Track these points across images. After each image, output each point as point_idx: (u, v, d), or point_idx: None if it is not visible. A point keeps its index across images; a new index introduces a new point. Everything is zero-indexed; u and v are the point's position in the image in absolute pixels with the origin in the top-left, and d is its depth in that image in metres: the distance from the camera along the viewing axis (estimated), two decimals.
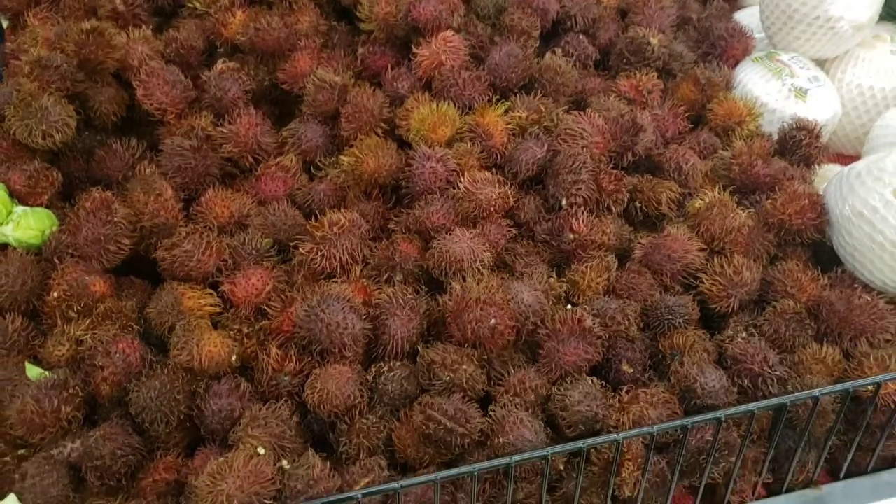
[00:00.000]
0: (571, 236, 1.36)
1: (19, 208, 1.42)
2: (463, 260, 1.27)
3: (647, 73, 1.67)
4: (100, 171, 1.54)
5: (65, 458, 1.15)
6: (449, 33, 1.59)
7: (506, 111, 1.54)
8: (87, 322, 1.26)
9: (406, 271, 1.31)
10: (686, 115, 1.66)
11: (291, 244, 1.39)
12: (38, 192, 1.46)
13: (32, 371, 1.23)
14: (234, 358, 1.21)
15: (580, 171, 1.40)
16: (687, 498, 1.28)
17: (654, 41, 1.69)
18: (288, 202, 1.48)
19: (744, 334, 1.31)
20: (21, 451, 1.18)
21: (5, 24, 1.87)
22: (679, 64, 1.75)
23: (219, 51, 1.71)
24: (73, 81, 1.51)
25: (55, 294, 1.29)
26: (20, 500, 1.10)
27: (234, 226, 1.45)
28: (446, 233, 1.32)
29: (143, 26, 1.65)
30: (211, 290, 1.30)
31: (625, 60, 1.71)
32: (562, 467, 1.17)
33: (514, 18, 1.64)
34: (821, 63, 1.82)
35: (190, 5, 1.72)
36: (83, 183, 1.54)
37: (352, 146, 1.52)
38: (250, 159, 1.56)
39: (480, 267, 1.28)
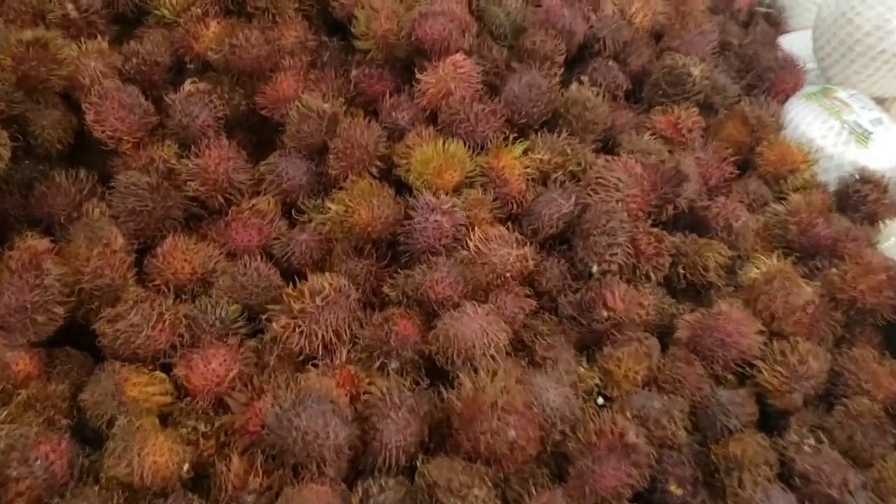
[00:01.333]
0: (605, 314, 1.13)
1: None
2: (474, 346, 1.03)
3: (687, 108, 1.44)
4: (40, 209, 1.30)
5: None
6: (459, 56, 1.35)
7: (524, 152, 1.30)
8: (5, 413, 1.01)
9: (404, 358, 1.07)
10: (732, 159, 1.42)
11: (264, 314, 1.14)
12: None
13: None
14: (185, 468, 0.97)
15: (616, 233, 1.16)
16: None
17: (695, 71, 1.45)
18: (262, 255, 1.24)
19: (812, 441, 1.08)
20: None
21: None
22: (721, 98, 1.51)
23: (189, 67, 1.45)
24: (10, 102, 1.27)
25: None
26: None
27: (197, 284, 1.21)
28: (454, 308, 1.08)
29: (99, 37, 1.40)
30: (162, 375, 1.06)
31: (661, 92, 1.47)
32: None
33: (536, 41, 1.40)
34: (882, 102, 1.58)
35: (157, 13, 1.47)
36: (19, 223, 1.31)
37: (341, 188, 1.28)
38: (220, 199, 1.32)
39: (495, 354, 1.04)
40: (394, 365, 1.06)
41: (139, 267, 1.22)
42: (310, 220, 1.30)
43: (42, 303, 1.07)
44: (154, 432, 0.97)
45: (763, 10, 1.78)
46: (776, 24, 1.78)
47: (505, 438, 0.95)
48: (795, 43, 1.72)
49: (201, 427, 1.01)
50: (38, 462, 0.94)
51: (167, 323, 1.07)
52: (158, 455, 0.94)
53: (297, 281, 1.16)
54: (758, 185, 1.40)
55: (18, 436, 0.96)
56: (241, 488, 0.96)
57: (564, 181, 1.26)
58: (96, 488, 0.94)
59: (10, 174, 1.28)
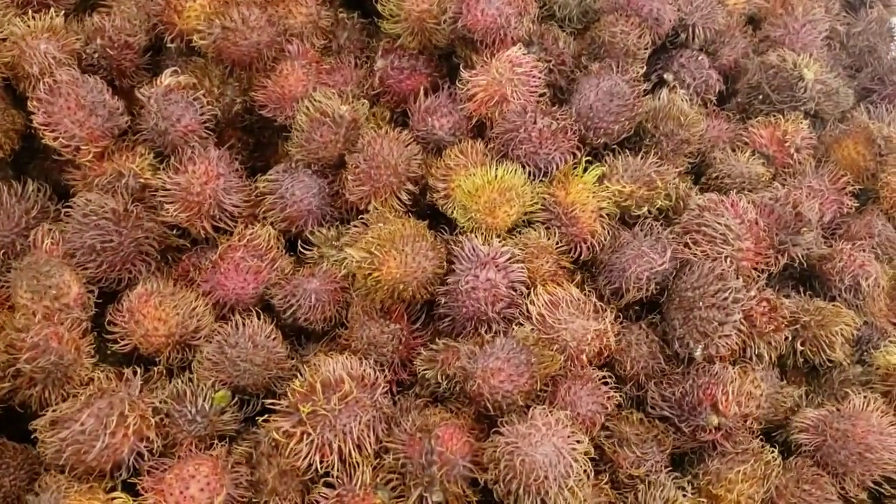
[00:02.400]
0: (715, 420, 0.85)
1: None
2: (548, 477, 0.76)
3: (794, 119, 1.14)
4: None
5: None
6: (517, 50, 1.05)
7: (599, 180, 1.01)
8: None
9: (448, 486, 0.79)
10: (848, 186, 1.13)
11: (260, 398, 0.86)
12: None
13: None
14: None
15: (728, 306, 0.87)
16: None
17: (808, 74, 1.16)
18: (258, 312, 0.95)
19: None
20: None
21: None
22: (833, 104, 1.21)
23: (169, 47, 1.14)
24: None
25: None
26: None
27: (174, 349, 0.93)
28: (517, 413, 0.80)
29: (52, 9, 1.08)
30: (123, 497, 0.78)
31: (762, 97, 1.17)
32: None
33: (616, 32, 1.09)
34: None
35: None
36: None
37: (362, 220, 0.99)
38: (206, 227, 1.03)
39: (574, 487, 0.77)
40: (436, 497, 0.78)
41: (99, 321, 0.94)
42: (321, 261, 1.01)
43: None
44: None
45: None
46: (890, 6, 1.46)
47: None
48: None
49: None
50: None
51: (131, 426, 0.79)
52: None
53: (303, 343, 0.89)
54: (884, 226, 1.11)
55: None
56: None
57: (655, 226, 0.96)
58: None
59: None
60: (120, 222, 0.98)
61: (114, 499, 0.77)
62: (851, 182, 1.15)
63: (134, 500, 0.78)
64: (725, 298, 0.88)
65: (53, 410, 0.80)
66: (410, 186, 1.03)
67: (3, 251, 1.01)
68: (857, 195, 1.17)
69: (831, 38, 1.38)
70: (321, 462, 0.79)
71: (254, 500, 0.80)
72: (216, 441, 0.83)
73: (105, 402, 0.79)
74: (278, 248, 1.04)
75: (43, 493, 0.77)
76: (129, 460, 0.80)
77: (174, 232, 1.05)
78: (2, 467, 0.86)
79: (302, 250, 1.06)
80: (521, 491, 0.76)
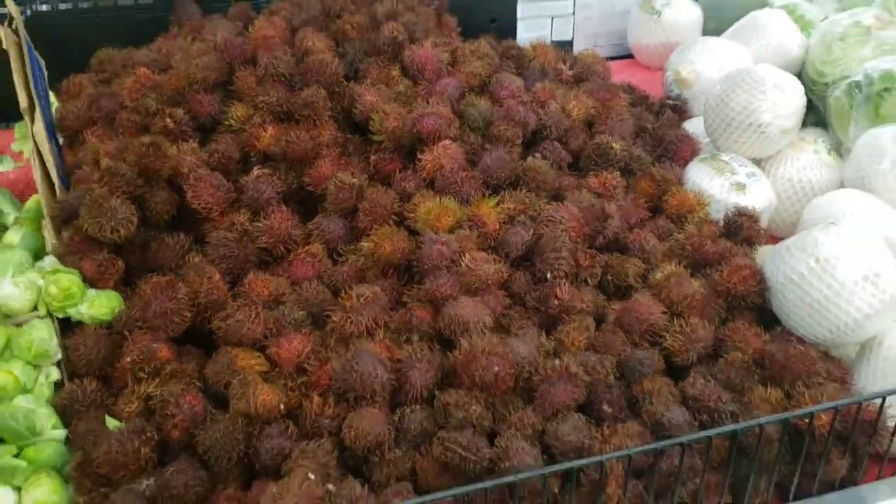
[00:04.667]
0: (556, 302, 1.65)
1: (91, 291, 1.68)
2: (469, 322, 1.55)
3: (611, 172, 2.01)
4: (154, 261, 1.81)
5: (142, 491, 1.38)
6: (447, 142, 1.92)
7: (497, 204, 1.85)
8: (157, 381, 1.51)
9: (422, 332, 1.58)
10: (646, 205, 1.98)
11: (324, 315, 1.66)
12: (106, 278, 1.73)
13: (111, 423, 1.47)
14: (281, 406, 1.46)
15: (561, 250, 1.70)
16: None
17: (616, 146, 2.03)
18: (317, 282, 1.76)
19: (702, 381, 1.58)
20: (104, 490, 1.40)
21: (61, 141, 2.18)
22: (638, 164, 2.08)
23: (252, 160, 2.02)
24: (135, 186, 1.80)
25: (128, 359, 1.54)
26: None
27: (273, 303, 1.72)
28: (453, 300, 1.60)
29: (190, 140, 1.96)
30: (259, 353, 1.56)
31: (593, 162, 2.05)
32: (556, 491, 1.41)
33: (500, 129, 1.98)
34: (757, 161, 2.17)
35: (227, 122, 2.04)
36: (140, 272, 1.80)
37: (369, 235, 1.82)
38: (282, 249, 1.84)
39: (483, 327, 1.56)
40: (415, 337, 1.57)
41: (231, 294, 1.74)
42: (347, 259, 1.84)
43: (177, 309, 1.58)
44: (261, 383, 1.47)
45: (670, 102, 2.39)
46: (680, 112, 2.38)
47: (491, 373, 1.45)
48: (694, 126, 2.31)
49: (289, 384, 1.51)
50: (185, 405, 1.44)
51: (261, 319, 1.58)
52: (265, 395, 1.44)
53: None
54: (665, 222, 1.96)
55: (172, 391, 1.46)
56: (319, 415, 1.45)
57: (525, 221, 1.80)
58: (227, 417, 1.43)
59: (133, 237, 1.81)
60: (237, 243, 1.80)
61: (254, 353, 1.55)
62: (646, 202, 2.00)
63: (264, 354, 1.56)
64: (559, 246, 1.71)
65: (221, 314, 1.58)
66: (395, 217, 1.87)
67: (172, 267, 1.82)
68: (651, 210, 2.02)
69: (643, 132, 2.29)
70: (356, 332, 1.58)
71: (324, 352, 1.57)
72: (304, 329, 1.62)
73: (246, 307, 1.58)
74: (323, 255, 1.85)
75: (219, 355, 1.55)
76: (260, 338, 1.58)
77: (264, 253, 1.87)
78: (189, 356, 1.62)
79: (336, 258, 1.88)
80: (456, 329, 1.54)
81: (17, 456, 1.43)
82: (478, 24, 2.52)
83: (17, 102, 1.91)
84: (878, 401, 1.49)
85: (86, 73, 2.37)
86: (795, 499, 1.56)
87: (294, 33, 2.20)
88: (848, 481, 1.56)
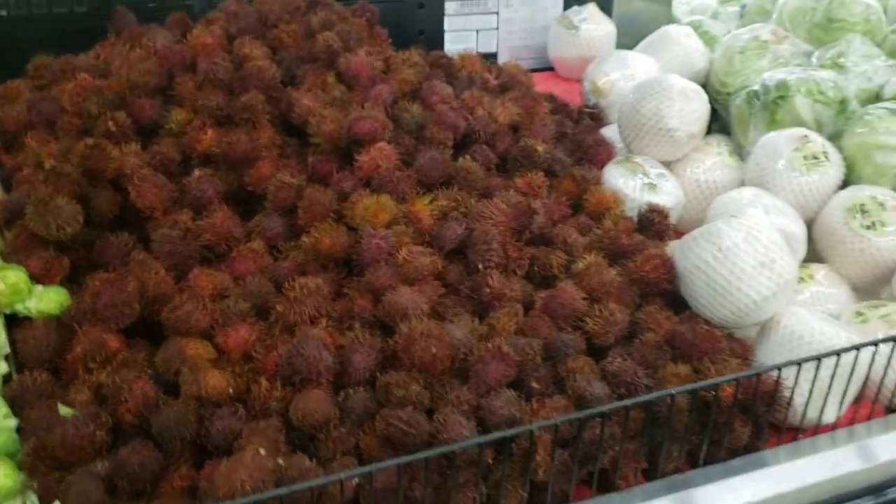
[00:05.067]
0: (488, 291, 1.78)
1: (39, 287, 1.73)
2: (407, 308, 1.66)
3: (535, 173, 2.15)
4: (99, 258, 1.86)
5: (98, 472, 1.44)
6: (382, 144, 2.03)
7: (431, 201, 1.97)
8: (107, 370, 1.57)
9: (363, 320, 1.69)
10: (567, 203, 2.13)
11: (268, 307, 1.74)
12: (52, 275, 1.78)
13: (64, 410, 1.53)
14: (231, 390, 1.55)
15: (492, 242, 1.83)
16: (585, 490, 1.65)
17: (539, 149, 2.18)
18: (259, 277, 1.85)
19: (620, 359, 1.73)
20: (58, 473, 1.46)
21: None
22: (560, 166, 2.24)
23: (192, 162, 2.09)
24: (80, 186, 1.86)
25: (79, 349, 1.60)
26: None
27: (217, 297, 1.79)
28: (392, 290, 1.72)
29: (132, 143, 2.02)
30: (207, 342, 1.64)
31: (518, 164, 2.19)
32: (490, 461, 1.54)
33: (433, 132, 2.10)
34: (667, 164, 2.35)
35: (167, 126, 2.11)
36: (85, 269, 1.85)
37: (308, 232, 1.91)
38: (224, 246, 1.91)
39: (421, 314, 1.67)
40: (357, 325, 1.67)
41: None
42: (287, 256, 1.93)
43: (126, 301, 1.65)
44: (210, 369, 1.55)
45: (588, 110, 2.56)
46: (597, 119, 2.56)
47: (430, 354, 1.57)
48: (610, 132, 2.49)
49: (237, 370, 1.60)
50: (137, 391, 1.51)
51: (208, 310, 1.66)
52: (214, 380, 1.52)
53: None
54: (585, 219, 2.11)
55: (124, 378, 1.53)
56: (268, 398, 1.54)
57: (458, 216, 1.93)
58: (178, 401, 1.50)
59: (78, 236, 1.86)
60: (181, 241, 1.87)
61: (202, 342, 1.63)
62: (567, 200, 2.16)
63: (212, 343, 1.63)
64: (489, 239, 1.84)
65: (170, 306, 1.65)
66: (333, 215, 1.97)
67: (116, 266, 1.87)
68: (573, 207, 2.18)
69: (564, 137, 2.45)
70: (300, 321, 1.67)
71: (269, 340, 1.66)
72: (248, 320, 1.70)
73: (194, 299, 1.66)
74: (264, 251, 1.93)
75: (169, 344, 1.62)
76: (207, 328, 1.66)
77: (206, 250, 1.94)
78: (137, 348, 1.69)
79: (276, 255, 1.97)
80: (395, 315, 1.65)
81: None
82: (406, 36, 2.64)
83: None
84: (776, 372, 1.66)
85: (21, 78, 2.40)
86: (705, 464, 1.72)
87: (231, 42, 2.29)
88: (751, 448, 1.73)
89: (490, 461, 1.53)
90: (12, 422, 1.52)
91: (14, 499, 1.40)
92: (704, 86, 2.54)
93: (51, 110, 2.16)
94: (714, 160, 2.35)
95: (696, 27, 2.86)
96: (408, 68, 2.29)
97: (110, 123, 2.02)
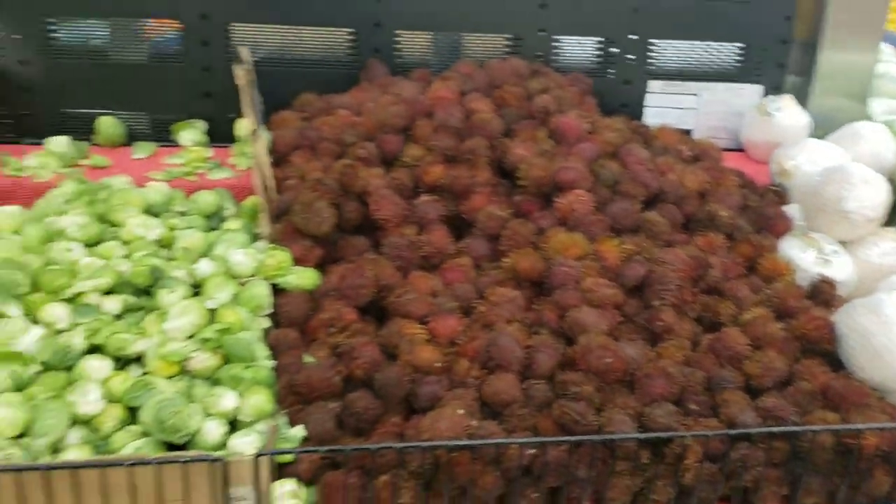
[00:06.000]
0: (660, 324, 2.04)
1: (297, 266, 2.19)
2: (588, 324, 1.97)
3: (716, 235, 2.40)
4: (341, 254, 2.30)
5: (331, 409, 1.83)
6: (581, 191, 2.37)
7: (619, 244, 2.27)
8: (344, 335, 1.98)
9: (549, 328, 2.00)
10: (743, 264, 2.36)
11: (471, 307, 2.10)
12: (308, 260, 2.23)
13: (307, 359, 1.94)
14: (438, 364, 1.90)
15: (668, 284, 2.10)
16: None
17: (723, 213, 2.43)
18: (466, 284, 2.21)
19: (773, 399, 1.92)
20: (301, 406, 1.86)
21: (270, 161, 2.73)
22: (740, 232, 2.47)
23: (419, 190, 2.51)
24: (335, 195, 2.32)
25: (323, 317, 2.02)
26: (306, 428, 1.77)
27: (431, 295, 2.18)
28: (576, 308, 2.02)
29: (377, 168, 2.48)
30: (422, 326, 2.01)
31: (702, 225, 2.45)
32: (646, 460, 1.78)
33: (627, 187, 2.42)
34: (843, 243, 2.52)
35: (403, 160, 2.55)
36: (329, 262, 2.30)
37: (508, 256, 2.26)
38: (438, 259, 2.31)
39: (599, 331, 1.96)
40: (544, 332, 1.99)
41: None
42: (489, 272, 2.28)
43: (364, 285, 2.06)
44: (423, 344, 1.91)
45: (773, 188, 2.78)
46: (781, 196, 2.76)
47: (604, 363, 1.85)
48: (791, 210, 2.69)
49: (444, 350, 1.95)
50: (367, 352, 1.89)
51: (425, 301, 2.04)
52: (426, 353, 1.88)
53: None
54: (757, 280, 2.33)
55: (358, 341, 1.92)
56: (466, 375, 1.88)
57: (641, 259, 2.22)
58: (397, 365, 1.87)
59: (329, 234, 2.31)
60: (407, 248, 2.28)
61: (417, 325, 2.00)
62: (743, 262, 2.38)
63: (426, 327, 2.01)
64: (667, 280, 2.11)
65: (397, 292, 2.05)
66: (531, 247, 2.32)
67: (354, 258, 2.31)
68: (748, 269, 2.39)
69: (748, 208, 2.67)
70: (496, 320, 2.02)
71: (471, 332, 2.01)
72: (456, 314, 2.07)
73: (415, 291, 2.05)
74: (471, 266, 2.32)
75: (391, 323, 2.01)
76: (423, 316, 2.03)
77: (423, 260, 2.34)
78: (368, 323, 2.10)
79: (479, 273, 2.34)
80: (577, 329, 1.96)
81: None
82: (611, 108, 2.99)
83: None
84: None
85: (289, 110, 2.95)
86: None
87: (462, 96, 2.73)
88: (891, 498, 1.86)
89: (645, 461, 1.78)
90: (271, 362, 1.94)
91: (270, 418, 1.80)
92: (892, 180, 2.68)
93: (313, 137, 2.67)
94: (890, 245, 2.50)
95: (889, 125, 3.00)
96: (611, 132, 2.63)
97: (361, 151, 2.49)
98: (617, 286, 2.15)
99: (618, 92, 3.18)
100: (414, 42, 3.11)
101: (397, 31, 3.05)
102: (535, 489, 1.74)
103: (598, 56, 3.17)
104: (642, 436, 1.70)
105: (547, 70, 2.96)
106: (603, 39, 3.15)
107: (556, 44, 3.13)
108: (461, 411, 1.74)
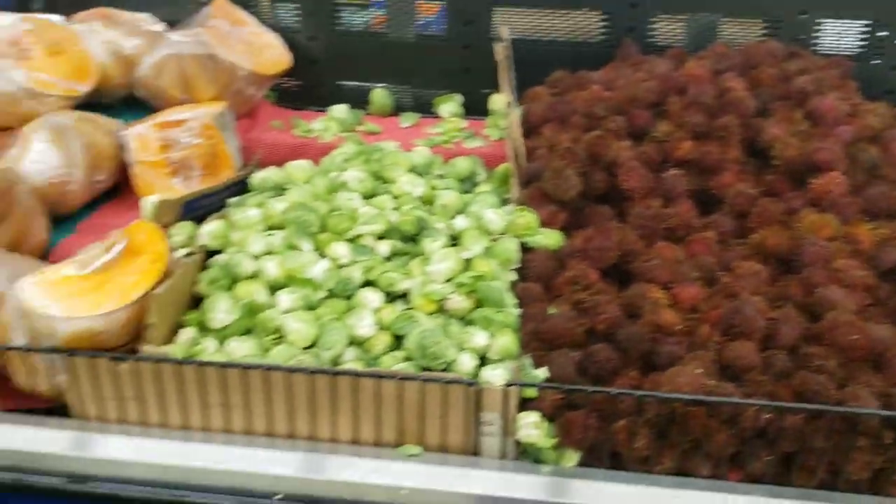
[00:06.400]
0: None
1: (543, 228, 2.34)
2: (836, 302, 1.95)
3: None
4: (586, 221, 2.43)
5: (573, 357, 1.96)
6: (836, 173, 2.32)
7: (874, 228, 2.21)
8: (587, 293, 2.10)
9: (795, 303, 2.01)
10: None
11: (714, 278, 2.15)
12: (553, 223, 2.38)
13: (551, 311, 2.09)
14: (679, 327, 1.97)
15: None
16: None
17: None
18: (709, 256, 2.26)
19: None
20: (544, 352, 2.01)
21: (521, 132, 2.91)
22: None
23: (667, 165, 2.58)
24: (584, 164, 2.45)
25: (568, 274, 2.16)
26: (549, 371, 1.92)
27: (674, 263, 2.25)
28: (825, 286, 2.01)
29: (626, 141, 2.57)
30: (665, 291, 2.09)
31: None
32: (889, 441, 1.75)
33: (887, 171, 2.33)
34: None
35: (653, 135, 2.62)
36: (573, 228, 2.44)
37: (755, 234, 2.28)
38: (683, 232, 2.36)
39: (847, 310, 1.94)
40: (789, 304, 2.00)
41: None
42: (732, 249, 2.31)
43: (611, 247, 2.17)
44: (666, 307, 1.99)
45: None
46: None
47: (850, 339, 1.84)
48: None
49: (685, 317, 2.02)
50: (610, 308, 2.01)
51: (668, 268, 2.12)
52: (668, 315, 1.97)
53: None
54: None
55: (601, 298, 2.04)
56: (707, 339, 1.94)
57: None
58: (641, 323, 1.97)
59: (575, 201, 2.45)
60: (652, 219, 2.37)
61: (660, 291, 2.09)
62: None
63: (669, 292, 2.09)
64: None
65: (642, 257, 2.15)
66: (779, 222, 2.31)
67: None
68: None
69: None
70: (740, 292, 2.05)
71: (711, 301, 2.06)
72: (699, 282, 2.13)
73: (658, 257, 2.13)
74: (715, 241, 2.36)
75: (634, 286, 2.11)
76: (666, 281, 2.12)
77: (668, 232, 2.42)
78: (611, 284, 2.22)
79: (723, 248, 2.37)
80: (826, 305, 1.95)
81: None
82: (874, 95, 2.86)
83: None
84: None
85: (541, 86, 3.12)
86: None
87: (716, 76, 2.74)
88: None
89: (888, 442, 1.75)
90: (518, 310, 2.12)
91: (516, 359, 1.97)
92: None
93: (565, 110, 2.80)
94: None
95: None
96: (872, 116, 2.54)
97: (612, 124, 2.59)
98: (869, 269, 2.10)
99: (885, 77, 3.03)
100: (668, 24, 3.16)
101: (653, 13, 3.10)
102: (769, 452, 1.77)
103: (864, 40, 3.04)
104: (885, 413, 1.68)
105: (805, 52, 2.89)
106: (871, 22, 3.01)
107: (818, 28, 3.03)
108: (699, 370, 1.81)
